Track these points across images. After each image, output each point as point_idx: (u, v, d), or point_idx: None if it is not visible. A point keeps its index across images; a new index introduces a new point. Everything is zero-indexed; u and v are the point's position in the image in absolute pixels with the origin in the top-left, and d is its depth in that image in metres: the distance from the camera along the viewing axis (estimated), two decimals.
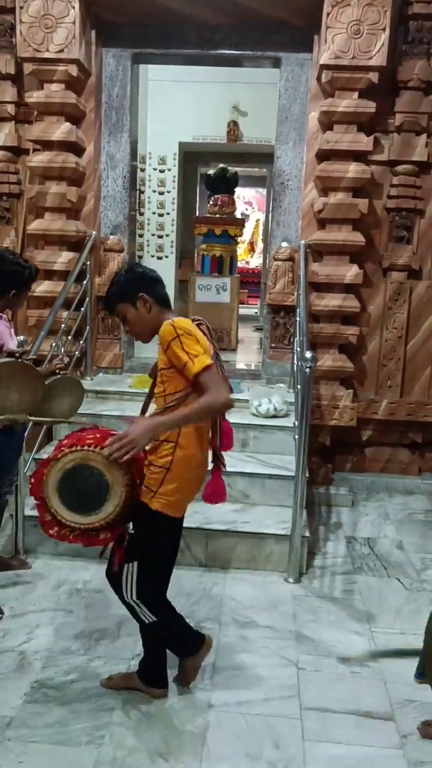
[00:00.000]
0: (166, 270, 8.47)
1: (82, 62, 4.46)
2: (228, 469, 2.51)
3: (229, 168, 8.06)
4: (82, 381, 3.73)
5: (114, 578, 2.36)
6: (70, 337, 4.63)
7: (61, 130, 4.51)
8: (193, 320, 2.32)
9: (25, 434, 3.41)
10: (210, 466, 2.41)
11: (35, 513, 2.43)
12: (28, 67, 4.48)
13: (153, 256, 8.77)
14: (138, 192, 6.11)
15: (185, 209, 9.34)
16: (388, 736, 2.35)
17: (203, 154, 9.19)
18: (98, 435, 2.22)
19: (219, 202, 7.83)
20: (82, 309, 4.73)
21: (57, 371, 2.96)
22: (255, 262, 14.91)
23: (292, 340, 4.81)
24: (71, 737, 2.28)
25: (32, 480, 2.24)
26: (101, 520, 2.16)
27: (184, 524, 2.49)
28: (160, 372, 2.23)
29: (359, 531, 4.18)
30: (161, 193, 8.75)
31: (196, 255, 8.96)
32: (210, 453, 2.39)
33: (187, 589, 3.30)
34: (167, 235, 8.84)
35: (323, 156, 4.53)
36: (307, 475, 3.67)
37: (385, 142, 4.59)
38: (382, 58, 4.22)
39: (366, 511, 4.49)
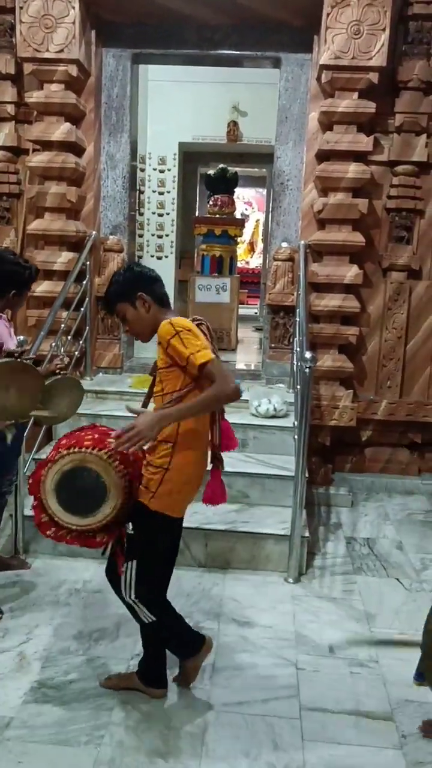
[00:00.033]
0: (166, 270, 8.47)
1: (82, 62, 4.46)
2: (227, 469, 2.51)
3: (229, 168, 8.06)
4: (81, 381, 3.73)
5: (113, 577, 2.36)
6: (69, 337, 4.63)
7: (60, 130, 4.52)
8: (193, 320, 2.32)
9: (25, 434, 3.41)
10: (209, 467, 2.41)
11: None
12: (28, 67, 4.48)
13: (153, 257, 8.77)
14: (138, 192, 6.11)
15: (185, 209, 9.35)
16: (388, 736, 2.35)
17: (203, 154, 9.19)
18: (96, 436, 2.22)
19: (219, 203, 7.83)
20: (82, 309, 4.73)
21: (57, 371, 2.96)
22: (255, 262, 14.91)
23: (291, 340, 4.81)
24: (70, 737, 2.28)
25: (30, 481, 2.24)
26: (98, 522, 2.16)
27: (184, 524, 2.49)
28: (158, 371, 2.23)
29: (359, 531, 4.18)
30: (161, 193, 8.75)
31: (195, 255, 8.96)
32: (209, 453, 2.39)
33: (186, 589, 3.30)
34: (167, 235, 8.85)
35: (323, 156, 4.53)
36: (307, 475, 3.67)
37: (385, 142, 4.59)
38: (382, 59, 4.22)
39: (365, 511, 4.50)
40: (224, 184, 7.95)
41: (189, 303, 7.02)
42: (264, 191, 11.75)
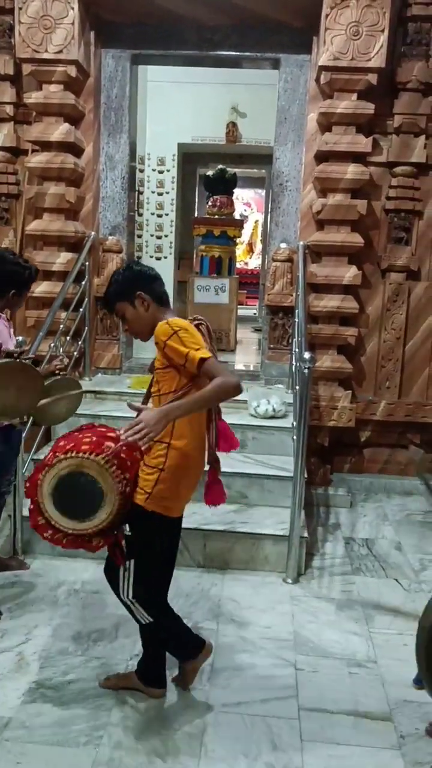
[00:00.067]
0: (165, 271, 8.47)
1: (81, 63, 4.46)
2: (226, 469, 2.51)
3: (228, 169, 8.08)
4: (80, 381, 3.73)
5: (112, 577, 2.36)
6: (68, 338, 4.63)
7: (59, 130, 4.52)
8: (193, 320, 2.32)
9: (23, 434, 3.41)
10: (206, 467, 2.41)
11: None
12: (26, 68, 4.48)
13: (152, 257, 8.77)
14: (137, 193, 6.11)
15: (184, 210, 9.34)
16: (386, 736, 2.35)
17: (202, 155, 9.19)
18: (95, 439, 2.22)
19: (218, 203, 7.85)
20: (81, 309, 4.73)
21: (56, 371, 2.96)
22: (254, 263, 14.91)
23: (290, 340, 4.82)
24: (69, 738, 2.28)
25: (27, 484, 2.24)
26: (94, 526, 2.16)
27: (183, 525, 2.49)
28: (155, 372, 2.24)
29: (358, 532, 4.18)
30: (160, 194, 8.74)
31: (194, 256, 8.97)
32: (206, 454, 2.39)
33: (185, 589, 3.30)
34: (166, 236, 8.84)
35: (322, 157, 4.53)
36: (306, 475, 3.67)
37: (384, 143, 4.60)
38: (381, 60, 4.22)
39: (364, 511, 4.50)
40: (223, 185, 7.96)
41: (188, 304, 7.03)
42: (263, 192, 11.75)
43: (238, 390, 2.11)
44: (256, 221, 15.10)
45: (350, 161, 4.46)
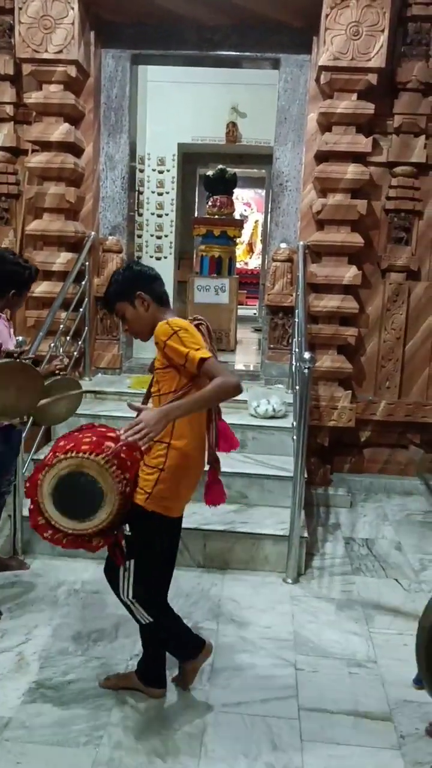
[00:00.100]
0: (165, 271, 8.47)
1: (81, 63, 4.46)
2: (226, 469, 2.51)
3: (228, 169, 8.07)
4: (80, 381, 3.73)
5: (112, 576, 2.36)
6: (68, 338, 4.63)
7: (59, 130, 4.52)
8: (193, 320, 2.32)
9: (23, 434, 3.41)
10: (206, 467, 2.41)
11: None
12: (26, 68, 4.48)
13: (152, 257, 8.77)
14: (137, 193, 6.11)
15: (184, 210, 9.35)
16: (386, 736, 2.35)
17: (202, 155, 9.19)
18: (95, 439, 2.22)
19: (218, 203, 7.85)
20: (81, 309, 4.73)
21: (56, 371, 2.96)
22: (254, 263, 14.92)
23: (290, 340, 4.82)
24: (69, 738, 2.28)
25: (27, 484, 2.24)
26: (94, 527, 2.16)
27: (183, 525, 2.49)
28: (155, 372, 2.24)
29: (358, 532, 4.18)
30: (160, 194, 8.74)
31: (194, 256, 8.97)
32: (206, 454, 2.39)
33: (185, 589, 3.30)
34: (166, 236, 8.84)
35: (322, 157, 4.53)
36: (306, 475, 3.67)
37: (384, 143, 4.60)
38: (381, 60, 4.22)
39: (364, 511, 4.50)
40: (223, 185, 7.96)
41: (188, 304, 7.03)
42: (263, 192, 11.76)
43: (238, 390, 2.11)
44: (256, 221, 15.10)
45: (350, 161, 4.46)
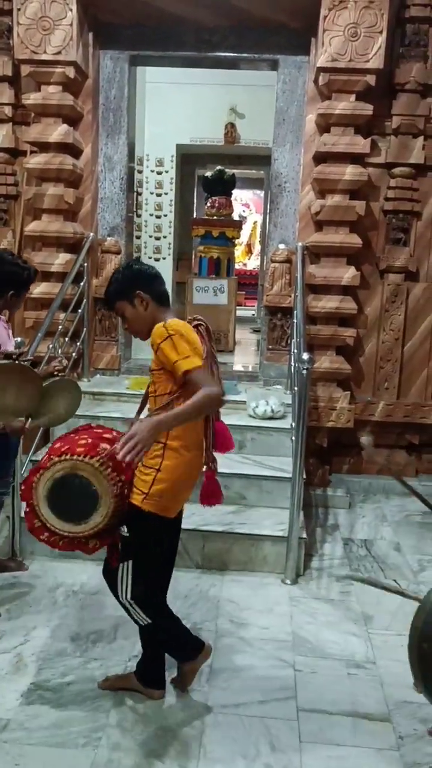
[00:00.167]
0: (164, 272, 8.32)
1: (79, 64, 4.46)
2: (225, 470, 2.51)
3: (227, 170, 8.08)
4: (79, 382, 3.73)
5: (110, 578, 2.36)
6: (67, 339, 4.63)
7: (58, 131, 4.52)
8: (192, 320, 2.32)
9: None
10: (203, 468, 2.41)
11: None
12: (25, 69, 4.48)
13: (150, 258, 8.76)
14: (135, 194, 6.10)
15: (183, 211, 9.35)
16: (385, 737, 2.35)
17: (201, 156, 9.20)
18: (90, 441, 2.22)
19: (216, 204, 7.85)
20: (80, 310, 4.73)
21: (55, 373, 2.96)
22: (252, 264, 14.92)
23: (289, 341, 4.82)
24: (68, 739, 2.27)
25: (23, 487, 2.24)
26: (90, 529, 2.16)
27: (181, 525, 2.49)
28: (152, 373, 2.24)
29: (356, 533, 4.18)
30: (159, 195, 8.74)
31: (193, 257, 8.97)
32: (204, 454, 2.39)
33: (183, 591, 3.29)
34: (164, 237, 8.84)
35: (320, 158, 4.54)
36: (304, 476, 3.67)
37: (382, 144, 4.60)
38: (379, 61, 4.22)
39: (363, 512, 4.50)
40: (222, 186, 7.97)
41: (186, 305, 7.03)
42: (261, 193, 11.76)
43: (220, 402, 2.13)
44: (255, 222, 15.11)
45: (348, 162, 4.46)
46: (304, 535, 3.65)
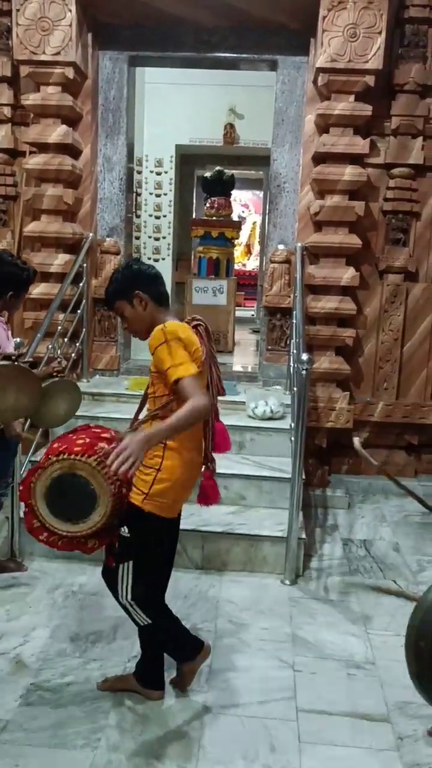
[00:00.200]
0: (163, 272, 8.29)
1: (78, 65, 4.47)
2: (224, 471, 2.51)
3: (226, 170, 8.09)
4: (78, 383, 3.73)
5: (110, 578, 2.36)
6: (66, 340, 4.63)
7: (57, 132, 4.52)
8: (192, 320, 2.32)
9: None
10: (202, 468, 2.41)
11: None
12: (24, 70, 4.48)
13: (150, 259, 8.77)
14: (134, 194, 6.11)
15: (182, 212, 9.35)
16: (384, 738, 2.35)
17: (200, 156, 9.21)
18: (87, 440, 2.22)
19: (215, 205, 7.86)
20: (79, 311, 4.73)
21: (54, 374, 2.96)
22: (251, 264, 14.92)
23: (288, 342, 4.82)
24: (67, 740, 2.27)
25: (21, 487, 2.24)
26: (88, 528, 2.16)
27: (181, 526, 2.49)
28: (151, 374, 2.24)
29: (355, 533, 4.18)
30: (158, 196, 8.75)
31: (192, 257, 8.97)
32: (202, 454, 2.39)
33: (183, 591, 3.29)
34: (164, 238, 8.85)
35: (319, 159, 4.54)
36: (304, 477, 3.67)
37: (382, 145, 4.61)
38: (379, 62, 4.23)
39: (362, 513, 4.50)
40: (221, 187, 7.97)
41: (186, 305, 7.03)
42: (261, 193, 11.77)
43: (204, 415, 2.12)
44: (254, 223, 15.11)
45: (348, 163, 4.47)
46: (304, 536, 3.65)
